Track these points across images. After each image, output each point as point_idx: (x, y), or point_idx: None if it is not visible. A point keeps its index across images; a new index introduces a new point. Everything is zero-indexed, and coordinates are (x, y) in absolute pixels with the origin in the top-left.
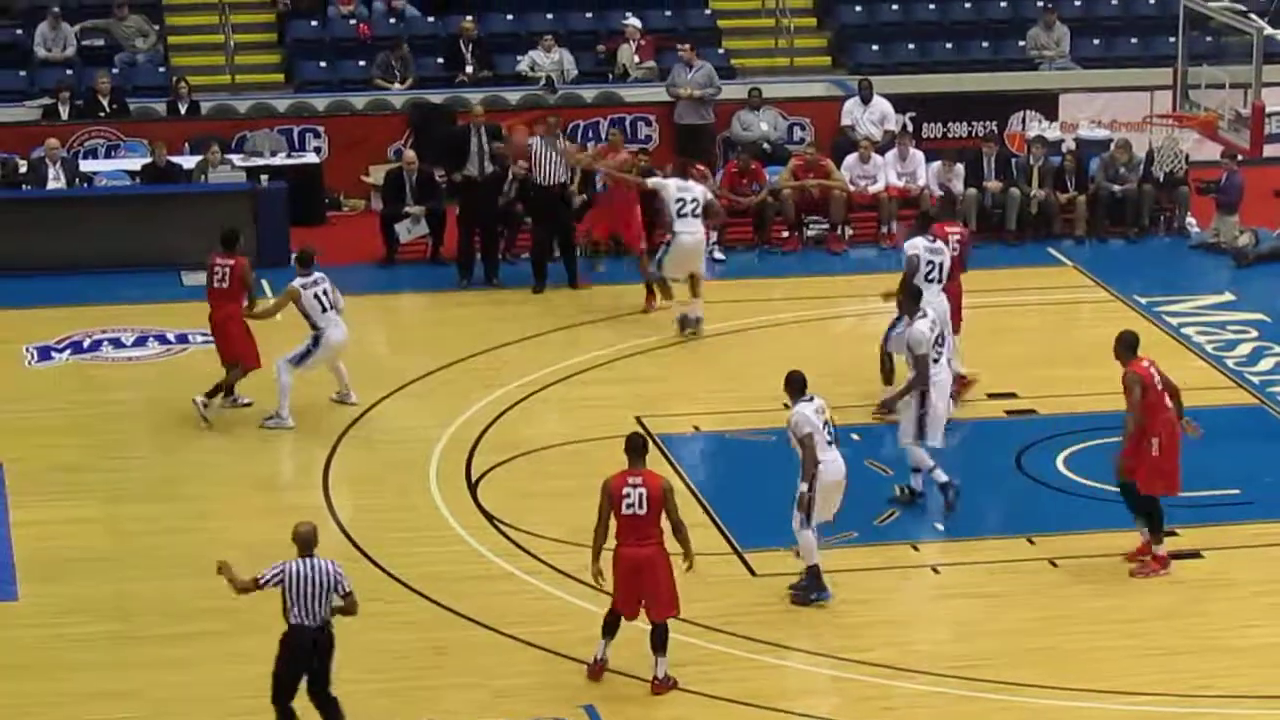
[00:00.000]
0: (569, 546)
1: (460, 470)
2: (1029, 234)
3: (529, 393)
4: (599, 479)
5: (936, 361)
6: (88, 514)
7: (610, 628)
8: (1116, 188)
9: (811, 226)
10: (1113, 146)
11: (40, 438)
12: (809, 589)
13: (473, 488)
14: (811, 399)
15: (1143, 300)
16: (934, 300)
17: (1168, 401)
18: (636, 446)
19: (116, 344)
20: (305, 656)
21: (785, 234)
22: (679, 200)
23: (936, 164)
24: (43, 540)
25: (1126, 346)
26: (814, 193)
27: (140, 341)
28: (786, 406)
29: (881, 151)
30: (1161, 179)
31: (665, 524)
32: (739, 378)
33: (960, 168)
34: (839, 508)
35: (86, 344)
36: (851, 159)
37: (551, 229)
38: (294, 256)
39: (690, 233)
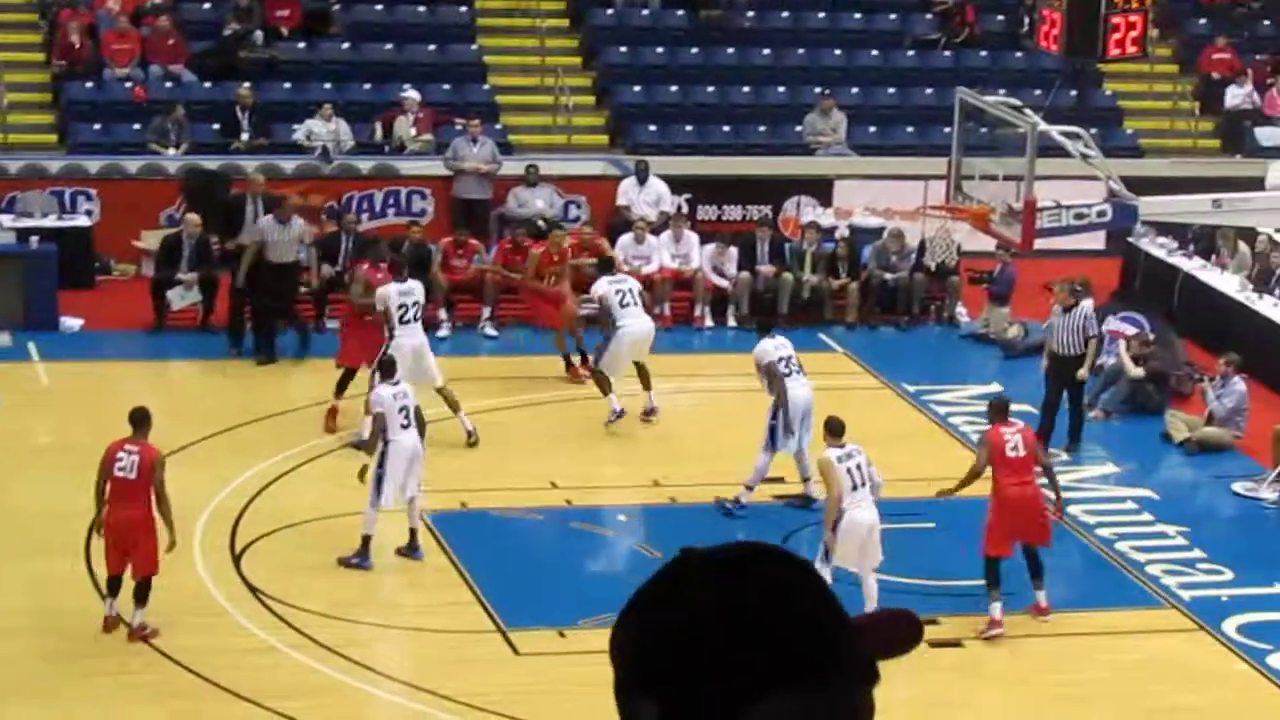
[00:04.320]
0: (332, 620)
1: (225, 541)
2: (800, 319)
3: (294, 465)
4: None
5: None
6: None
7: (111, 587)
8: (889, 276)
9: (585, 306)
10: (885, 235)
11: None
12: None
13: (236, 559)
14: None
15: (911, 388)
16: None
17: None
18: (138, 419)
19: None
20: None
21: None
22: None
23: (711, 247)
24: None
25: None
26: (587, 272)
27: None
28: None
29: (656, 233)
30: (933, 268)
31: None
32: (505, 456)
33: (734, 251)
34: None
35: None
36: (626, 239)
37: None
38: None
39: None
